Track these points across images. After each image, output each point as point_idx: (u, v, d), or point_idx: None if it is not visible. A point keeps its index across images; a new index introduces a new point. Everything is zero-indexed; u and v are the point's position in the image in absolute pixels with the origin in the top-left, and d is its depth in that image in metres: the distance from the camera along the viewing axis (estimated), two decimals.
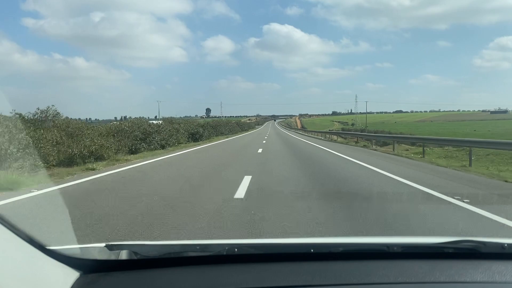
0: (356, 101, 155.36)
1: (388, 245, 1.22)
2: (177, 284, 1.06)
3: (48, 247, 0.95)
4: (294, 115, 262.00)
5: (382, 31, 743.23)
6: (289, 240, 1.44)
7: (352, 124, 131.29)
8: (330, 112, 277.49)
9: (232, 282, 1.06)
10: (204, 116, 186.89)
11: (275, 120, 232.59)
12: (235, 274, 1.11)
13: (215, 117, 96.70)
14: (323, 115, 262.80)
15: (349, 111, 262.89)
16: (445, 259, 1.22)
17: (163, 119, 26.65)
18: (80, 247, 1.15)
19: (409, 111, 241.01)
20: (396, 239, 1.47)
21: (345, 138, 32.98)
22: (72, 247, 1.13)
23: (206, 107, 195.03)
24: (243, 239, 1.72)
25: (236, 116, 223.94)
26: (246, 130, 73.16)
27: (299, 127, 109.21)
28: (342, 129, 77.16)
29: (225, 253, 1.16)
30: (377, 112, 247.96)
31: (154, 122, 20.82)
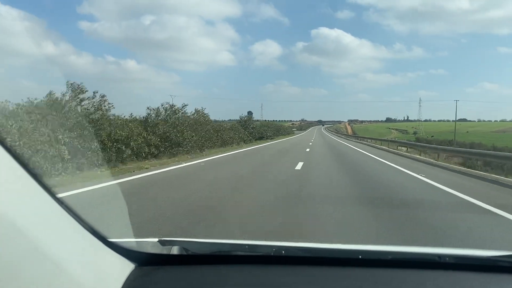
0: (420, 105, 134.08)
1: (440, 256, 1.15)
2: (226, 281, 1.08)
3: (109, 239, 1.00)
4: (342, 121, 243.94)
5: (437, 36, 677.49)
6: (336, 246, 1.35)
7: (414, 133, 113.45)
8: (384, 119, 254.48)
9: (281, 282, 1.07)
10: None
11: (323, 125, 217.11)
12: (283, 275, 1.11)
13: (256, 120, 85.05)
14: (376, 121, 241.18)
15: (406, 118, 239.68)
16: (500, 273, 1.14)
17: None
18: (136, 241, 1.21)
19: (475, 120, 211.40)
20: (448, 250, 1.32)
21: (426, 153, 19.47)
22: (129, 240, 1.17)
23: (248, 110, 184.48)
24: (291, 242, 1.34)
25: (279, 120, 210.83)
26: (270, 138, 43.41)
27: (349, 134, 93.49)
28: (417, 139, 60.59)
29: (272, 254, 1.16)
30: (438, 120, 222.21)
31: None
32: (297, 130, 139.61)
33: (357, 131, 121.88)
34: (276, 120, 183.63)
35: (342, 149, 24.69)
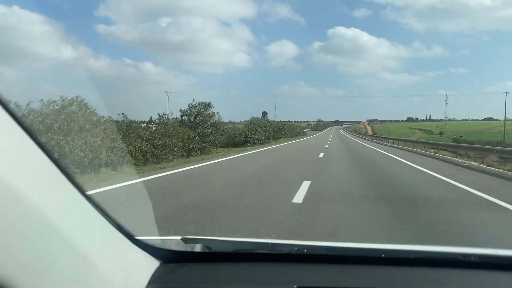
0: (446, 103, 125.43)
1: (464, 255, 1.13)
2: (249, 278, 1.10)
3: (135, 237, 1.02)
4: (361, 121, 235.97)
5: (458, 34, 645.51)
6: (358, 244, 1.34)
7: (440, 133, 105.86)
8: (405, 118, 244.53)
9: (303, 280, 1.07)
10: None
11: (341, 125, 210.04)
12: (305, 273, 1.11)
13: (270, 120, 78.66)
14: (396, 121, 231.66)
15: (428, 117, 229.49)
16: None
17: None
18: (161, 239, 1.25)
19: (501, 119, 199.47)
20: (472, 249, 1.29)
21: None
22: (154, 238, 1.20)
23: (263, 111, 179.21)
24: (312, 241, 1.39)
25: (295, 121, 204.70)
26: (259, 144, 29.65)
27: (369, 134, 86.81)
28: (467, 141, 53.40)
29: (294, 252, 1.17)
30: (461, 120, 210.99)
31: None
32: (312, 130, 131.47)
33: (378, 131, 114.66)
34: (292, 121, 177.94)
35: (381, 162, 17.81)
